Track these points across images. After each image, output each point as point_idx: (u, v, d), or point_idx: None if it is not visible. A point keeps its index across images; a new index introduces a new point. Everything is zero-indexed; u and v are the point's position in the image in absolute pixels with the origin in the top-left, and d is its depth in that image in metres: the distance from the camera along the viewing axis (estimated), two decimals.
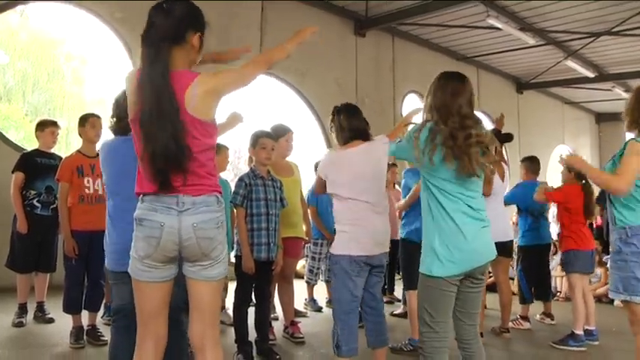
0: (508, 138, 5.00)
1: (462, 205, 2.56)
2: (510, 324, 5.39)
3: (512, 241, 5.13)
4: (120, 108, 2.81)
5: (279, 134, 4.61)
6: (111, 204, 2.85)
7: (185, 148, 2.08)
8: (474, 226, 2.58)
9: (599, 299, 7.49)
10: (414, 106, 12.60)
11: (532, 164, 5.94)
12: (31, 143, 5.60)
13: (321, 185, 3.42)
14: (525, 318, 5.70)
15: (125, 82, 2.21)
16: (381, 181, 3.37)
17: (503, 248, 4.82)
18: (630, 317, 3.05)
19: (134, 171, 2.23)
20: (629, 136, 3.14)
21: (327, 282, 6.02)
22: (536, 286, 5.93)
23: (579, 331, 4.81)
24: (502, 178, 4.99)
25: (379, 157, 3.31)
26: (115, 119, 2.94)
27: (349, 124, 3.36)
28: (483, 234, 2.63)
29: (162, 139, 2.05)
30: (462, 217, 2.55)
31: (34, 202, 4.86)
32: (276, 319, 5.26)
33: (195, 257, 2.16)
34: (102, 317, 4.79)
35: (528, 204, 5.63)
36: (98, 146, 4.08)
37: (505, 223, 5.06)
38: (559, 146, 16.98)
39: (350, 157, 3.30)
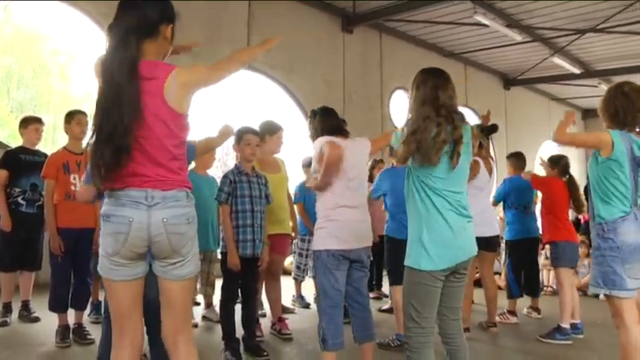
0: (494, 129, 5.04)
1: (451, 201, 2.62)
2: (497, 318, 5.44)
3: (497, 236, 5.16)
4: None
5: (272, 131, 4.61)
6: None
7: (149, 140, 2.04)
8: (461, 222, 2.65)
9: (584, 292, 7.57)
10: (401, 103, 12.64)
11: (517, 160, 5.98)
12: (16, 141, 5.54)
13: (341, 152, 3.22)
14: (513, 312, 5.74)
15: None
16: (362, 178, 3.44)
17: (489, 243, 4.90)
18: (612, 310, 3.09)
19: None
20: None
21: (315, 278, 6.02)
22: (526, 280, 5.98)
23: (566, 325, 4.87)
24: (490, 172, 5.03)
25: (363, 154, 3.38)
26: None
27: (326, 124, 3.41)
28: (468, 230, 2.70)
29: (117, 131, 1.98)
30: (450, 214, 2.61)
31: (19, 199, 4.82)
32: (264, 315, 5.26)
33: (166, 254, 2.10)
34: (88, 315, 4.77)
35: (514, 198, 5.70)
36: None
37: (491, 217, 5.10)
38: (546, 142, 17.10)
39: (345, 145, 3.29)
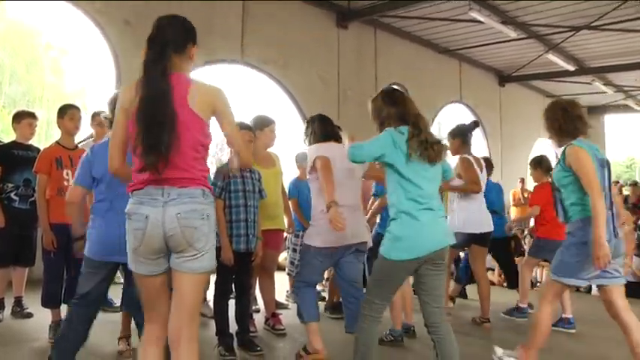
0: (475, 126, 5.23)
1: (417, 196, 2.89)
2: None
3: (489, 233, 5.20)
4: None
5: (264, 125, 4.60)
6: (103, 197, 3.05)
7: (175, 141, 2.19)
8: (430, 215, 2.90)
9: (577, 289, 7.63)
10: None
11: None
12: (9, 136, 5.50)
13: (330, 164, 3.52)
14: (452, 299, 6.19)
15: (122, 90, 2.40)
16: (355, 180, 3.74)
17: (478, 239, 5.07)
18: (548, 290, 3.54)
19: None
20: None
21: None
22: (506, 275, 6.70)
23: (523, 305, 5.54)
24: (480, 169, 5.09)
25: None
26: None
27: (322, 130, 3.78)
28: (439, 222, 2.97)
29: (157, 131, 2.17)
30: (417, 207, 2.87)
31: (12, 195, 4.78)
32: (258, 311, 5.26)
33: (181, 247, 2.22)
34: None
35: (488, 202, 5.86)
36: (77, 139, 4.06)
37: (482, 214, 5.12)
38: (540, 139, 17.16)
39: (337, 150, 3.62)
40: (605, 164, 3.42)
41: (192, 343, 2.27)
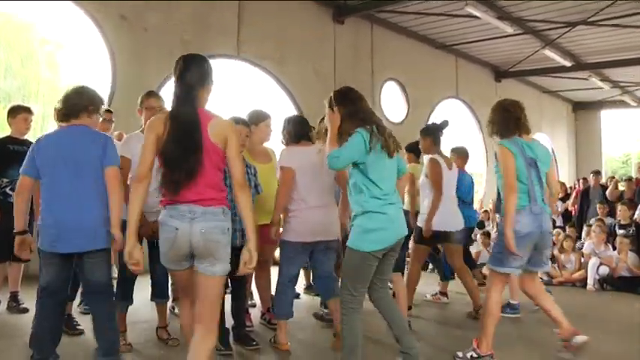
0: (444, 125, 5.34)
1: (380, 194, 3.18)
2: (430, 297, 6.16)
3: (458, 231, 5.29)
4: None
5: (260, 119, 4.59)
6: (49, 187, 3.11)
7: (201, 165, 2.60)
8: (393, 209, 3.21)
9: (573, 284, 7.67)
10: (392, 93, 12.66)
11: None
12: (4, 131, 5.47)
13: (291, 178, 3.93)
14: (444, 294, 6.25)
15: (150, 126, 2.70)
16: (325, 178, 3.98)
17: (448, 237, 5.22)
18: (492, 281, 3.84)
19: (70, 156, 3.03)
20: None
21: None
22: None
23: (514, 301, 5.48)
24: (449, 168, 5.24)
25: (320, 160, 3.81)
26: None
27: (295, 131, 4.11)
28: (400, 214, 3.29)
29: (187, 156, 2.58)
30: (381, 204, 3.17)
31: (7, 190, 4.79)
32: (254, 305, 5.27)
33: (204, 256, 2.64)
34: (78, 306, 4.76)
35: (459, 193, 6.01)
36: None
37: (449, 213, 5.19)
38: (536, 134, 17.19)
39: (307, 153, 3.96)
40: (533, 163, 3.75)
41: (208, 336, 2.68)
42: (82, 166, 3.09)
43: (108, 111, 5.43)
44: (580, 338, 3.79)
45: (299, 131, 4.11)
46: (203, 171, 2.60)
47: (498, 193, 3.87)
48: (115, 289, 3.99)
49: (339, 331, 3.64)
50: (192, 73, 2.69)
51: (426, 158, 5.32)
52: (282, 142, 4.24)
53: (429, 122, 5.45)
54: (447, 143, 5.83)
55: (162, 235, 2.65)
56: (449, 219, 5.16)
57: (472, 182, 6.98)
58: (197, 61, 2.75)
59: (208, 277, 2.67)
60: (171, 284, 4.81)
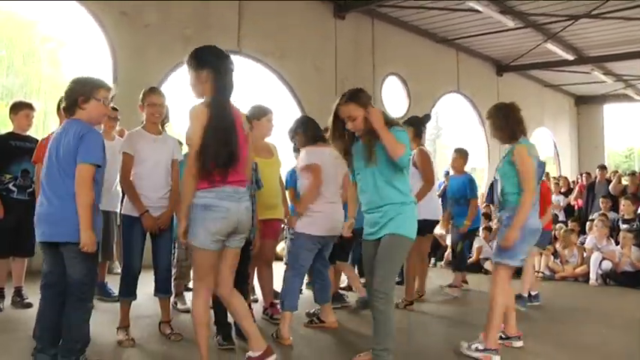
0: (426, 119, 5.53)
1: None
2: (449, 291, 6.30)
3: (432, 221, 5.50)
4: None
5: (261, 115, 4.59)
6: (52, 180, 3.09)
7: (240, 153, 2.99)
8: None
9: (575, 279, 7.67)
10: (394, 88, 12.63)
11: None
12: (7, 127, 5.48)
13: (321, 175, 4.18)
14: (465, 281, 6.57)
15: (194, 113, 2.95)
16: (337, 177, 4.30)
17: (434, 226, 5.61)
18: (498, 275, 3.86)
19: (55, 150, 3.07)
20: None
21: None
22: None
23: (524, 294, 5.60)
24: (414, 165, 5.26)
25: (336, 161, 3.97)
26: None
27: (315, 132, 4.38)
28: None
29: (231, 145, 2.94)
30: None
31: (10, 186, 4.80)
32: (256, 301, 5.28)
33: (242, 232, 3.09)
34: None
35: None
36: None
37: (437, 202, 5.57)
38: (538, 128, 17.15)
39: (326, 153, 4.09)
40: (540, 164, 3.97)
41: (236, 292, 3.19)
42: (61, 159, 3.08)
43: (113, 109, 5.42)
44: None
45: (316, 133, 4.38)
46: (241, 157, 3.00)
47: (497, 189, 3.96)
48: (119, 289, 4.04)
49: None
50: (231, 68, 3.12)
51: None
52: (295, 144, 4.57)
53: (412, 115, 5.55)
54: (449, 139, 5.92)
55: (212, 215, 2.90)
56: (436, 208, 5.42)
57: (471, 182, 6.52)
58: (228, 58, 3.17)
59: (237, 249, 3.14)
60: (174, 279, 4.82)
